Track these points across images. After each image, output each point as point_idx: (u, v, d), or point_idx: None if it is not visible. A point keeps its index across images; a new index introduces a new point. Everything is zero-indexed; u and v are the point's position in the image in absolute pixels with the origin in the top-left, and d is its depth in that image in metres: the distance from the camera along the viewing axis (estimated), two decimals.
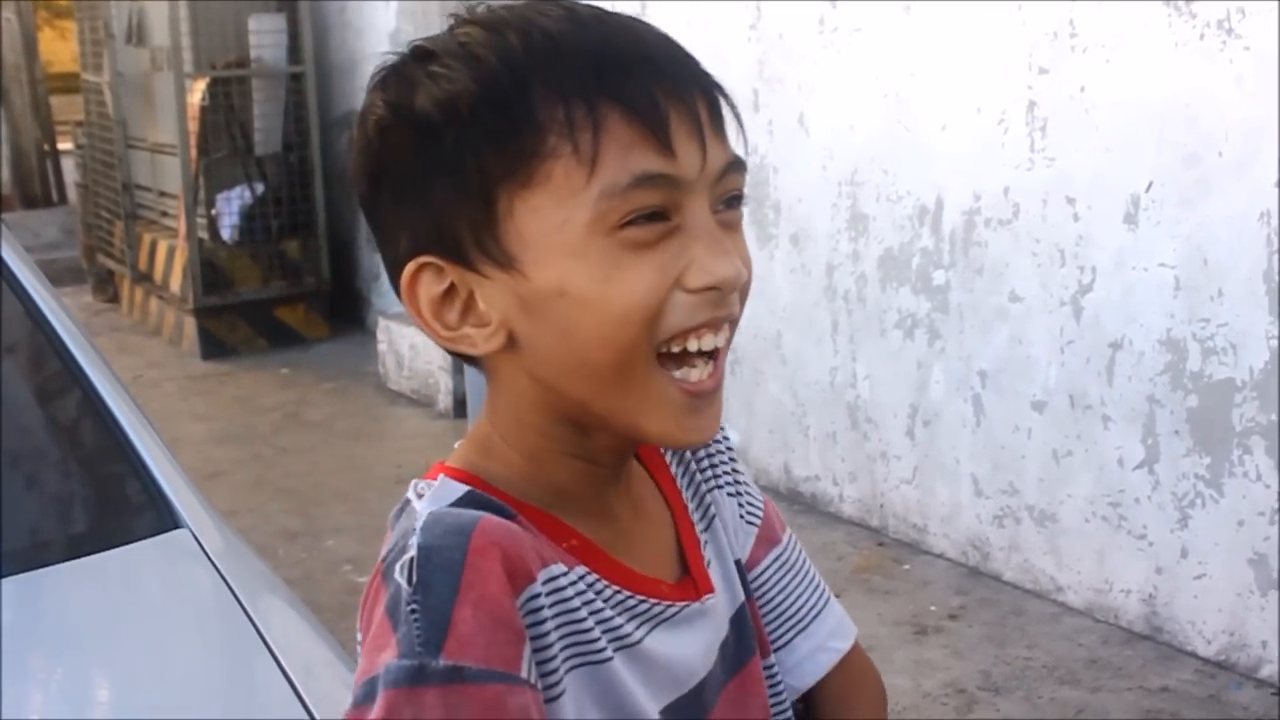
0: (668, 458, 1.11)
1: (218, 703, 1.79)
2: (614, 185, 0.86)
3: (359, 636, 0.88)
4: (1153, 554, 3.80)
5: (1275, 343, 3.43)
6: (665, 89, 0.87)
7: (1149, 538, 3.81)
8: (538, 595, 0.87)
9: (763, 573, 1.15)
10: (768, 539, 1.15)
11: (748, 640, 1.08)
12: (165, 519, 2.06)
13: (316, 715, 1.65)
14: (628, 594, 0.96)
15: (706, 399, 0.93)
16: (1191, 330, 3.62)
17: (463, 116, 0.87)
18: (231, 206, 7.43)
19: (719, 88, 0.93)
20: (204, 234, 7.35)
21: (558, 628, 0.89)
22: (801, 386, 4.85)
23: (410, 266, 0.91)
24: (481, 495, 0.92)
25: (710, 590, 1.03)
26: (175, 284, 7.53)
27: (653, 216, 0.88)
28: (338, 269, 7.67)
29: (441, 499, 0.91)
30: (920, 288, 4.38)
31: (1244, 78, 3.41)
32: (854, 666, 1.21)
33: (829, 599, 1.20)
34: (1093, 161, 3.82)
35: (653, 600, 0.97)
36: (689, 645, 1.00)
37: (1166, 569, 3.77)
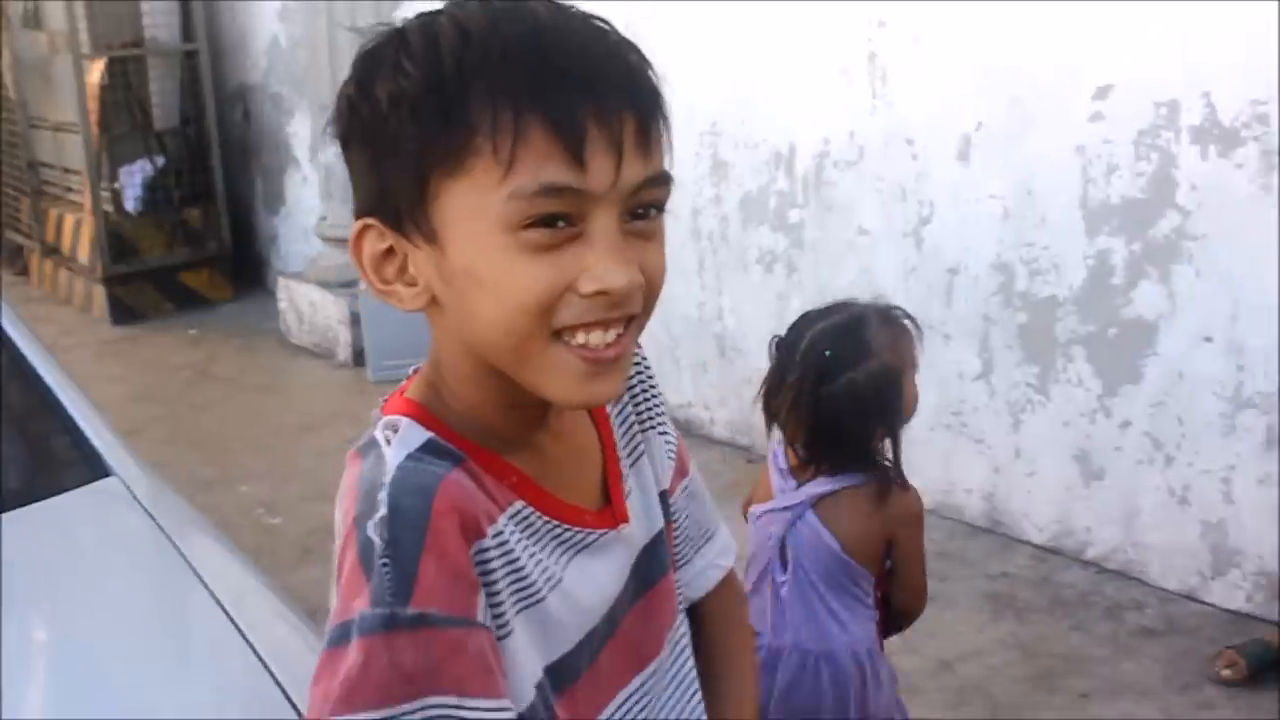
0: (610, 408, 1.15)
1: (158, 632, 1.81)
2: (522, 189, 0.87)
3: (335, 573, 0.92)
4: (990, 456, 3.91)
5: (1091, 262, 3.54)
6: (592, 106, 0.87)
7: (987, 441, 3.92)
8: (487, 549, 0.93)
9: (675, 500, 1.21)
10: (680, 471, 1.22)
11: (660, 561, 1.14)
12: (96, 468, 2.07)
13: (250, 639, 1.68)
14: (556, 523, 1.00)
15: (607, 365, 0.93)
16: (1019, 254, 3.72)
17: (408, 110, 0.89)
18: (134, 179, 7.27)
19: (653, 106, 0.92)
20: (109, 206, 7.19)
21: (505, 574, 0.94)
22: (673, 321, 4.88)
23: (358, 225, 0.95)
24: (439, 443, 0.96)
25: (625, 520, 1.08)
26: (83, 255, 7.36)
27: (557, 222, 0.88)
28: (238, 234, 7.54)
29: (407, 444, 0.94)
30: (777, 226, 4.44)
31: (1060, 25, 3.49)
32: (731, 587, 1.30)
33: (719, 523, 1.29)
34: (928, 106, 3.89)
35: (576, 529, 1.02)
36: (604, 571, 1.05)
37: (1003, 468, 3.88)
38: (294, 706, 1.52)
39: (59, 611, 1.78)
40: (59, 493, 2.03)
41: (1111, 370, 3.55)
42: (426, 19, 0.93)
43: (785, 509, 2.17)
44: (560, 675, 1.00)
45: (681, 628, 1.19)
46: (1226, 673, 3.09)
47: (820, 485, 2.14)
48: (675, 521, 1.21)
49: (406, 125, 0.89)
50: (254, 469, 4.84)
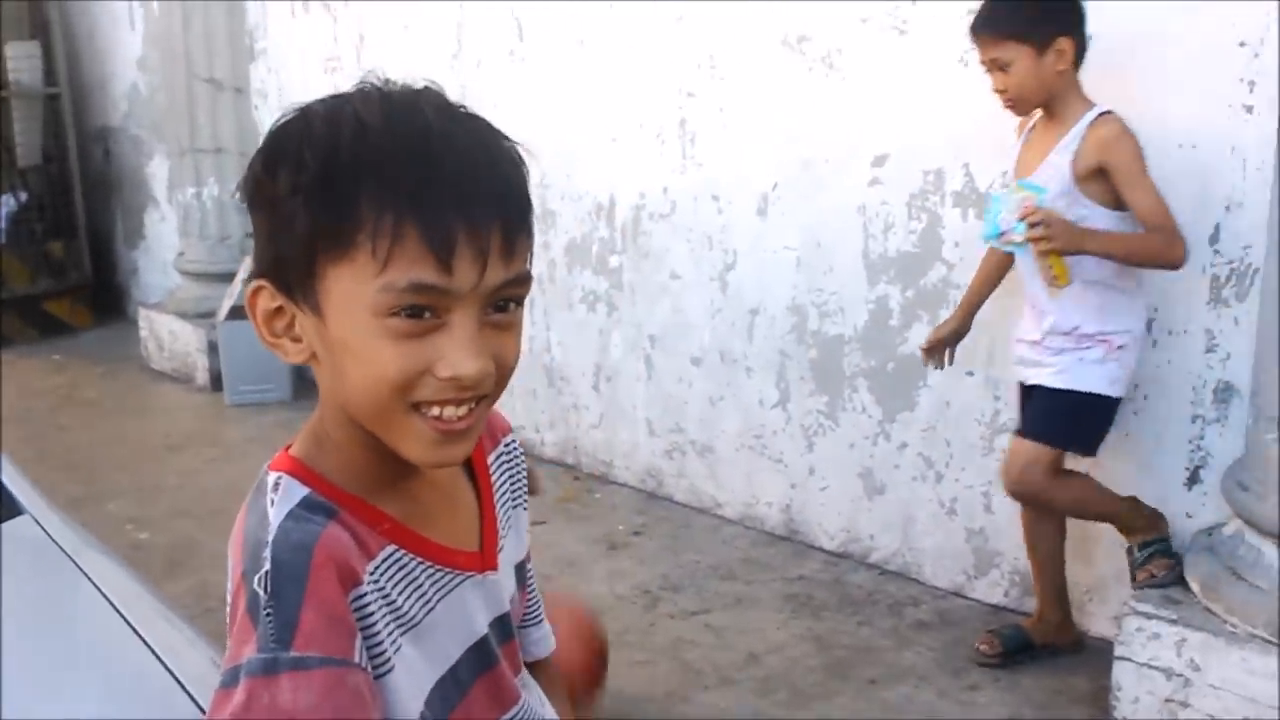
0: (492, 470, 1.14)
1: (85, 654, 1.72)
2: (393, 284, 0.87)
3: (228, 622, 0.91)
4: (788, 474, 3.95)
5: (872, 306, 3.60)
6: (463, 220, 0.87)
7: (784, 461, 3.95)
8: (364, 594, 0.91)
9: (530, 566, 1.21)
10: (528, 546, 1.22)
11: (511, 622, 1.13)
12: (9, 508, 1.98)
13: (141, 632, 1.65)
14: (427, 563, 0.99)
15: (457, 434, 0.94)
16: (811, 298, 3.76)
17: (304, 199, 0.89)
18: None
19: (519, 217, 0.92)
20: None
21: (383, 613, 0.93)
22: None
23: (254, 284, 0.94)
24: (315, 498, 0.95)
25: (494, 568, 1.08)
26: None
27: (423, 313, 0.89)
28: (99, 265, 7.20)
29: (288, 501, 0.93)
30: (599, 270, 4.41)
31: (843, 101, 3.55)
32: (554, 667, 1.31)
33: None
34: (731, 166, 3.92)
35: (445, 569, 1.01)
36: (471, 610, 1.04)
37: (799, 484, 3.92)
38: (198, 706, 1.50)
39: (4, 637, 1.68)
40: None
41: (890, 400, 3.61)
42: (334, 106, 0.92)
43: None
44: (439, 703, 0.99)
45: (529, 678, 1.18)
46: (984, 648, 3.17)
47: None
48: (529, 585, 1.22)
49: (301, 212, 0.88)
50: (121, 487, 4.61)
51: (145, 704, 1.56)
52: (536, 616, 1.24)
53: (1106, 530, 3.19)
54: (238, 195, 0.96)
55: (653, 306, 4.24)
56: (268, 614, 0.86)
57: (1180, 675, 2.66)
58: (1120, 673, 2.78)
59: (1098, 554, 3.22)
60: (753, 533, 4.03)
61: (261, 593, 0.87)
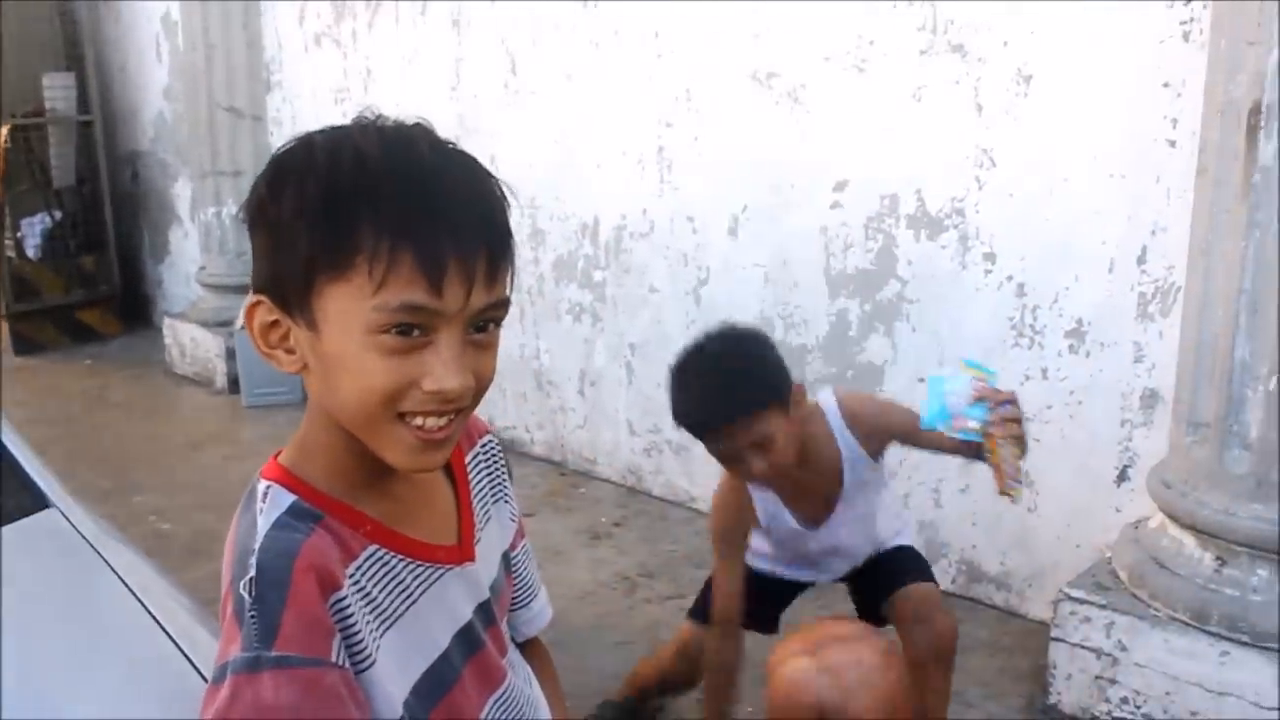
0: (470, 469, 1.13)
1: (107, 640, 1.69)
2: (386, 304, 0.87)
3: (219, 623, 0.91)
4: None
5: (833, 318, 3.60)
6: (454, 249, 0.87)
7: None
8: (344, 597, 0.91)
9: (518, 554, 1.21)
10: (520, 533, 1.22)
11: (496, 607, 1.12)
12: (38, 500, 1.94)
13: (157, 615, 1.64)
14: (408, 559, 0.99)
15: (437, 443, 0.93)
16: (777, 311, 3.76)
17: (306, 224, 0.88)
18: (35, 229, 6.80)
19: (503, 246, 0.92)
20: (12, 253, 6.71)
21: (364, 611, 0.92)
22: (499, 360, 4.74)
23: (252, 299, 0.93)
24: (302, 505, 0.94)
25: (471, 559, 1.06)
26: None
27: (413, 331, 0.88)
28: (127, 277, 7.15)
29: (276, 509, 0.93)
30: (584, 284, 4.40)
31: (807, 132, 3.55)
32: (543, 645, 1.31)
33: (540, 583, 1.29)
34: (705, 191, 3.91)
35: (426, 563, 1.00)
36: (453, 600, 1.04)
37: None
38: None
39: (32, 623, 1.65)
40: (4, 523, 1.86)
41: None
42: (334, 137, 0.91)
43: None
44: (427, 691, 0.98)
45: (517, 657, 1.18)
46: None
47: None
48: (515, 572, 1.21)
49: (303, 235, 0.87)
50: (145, 482, 4.57)
51: (161, 682, 1.55)
52: (525, 599, 1.23)
53: (1044, 521, 3.20)
54: (240, 216, 0.95)
55: (633, 318, 4.24)
56: (252, 616, 0.86)
57: (1109, 655, 2.67)
58: (1055, 652, 2.79)
59: (1036, 544, 3.23)
60: None
61: (247, 596, 0.87)
